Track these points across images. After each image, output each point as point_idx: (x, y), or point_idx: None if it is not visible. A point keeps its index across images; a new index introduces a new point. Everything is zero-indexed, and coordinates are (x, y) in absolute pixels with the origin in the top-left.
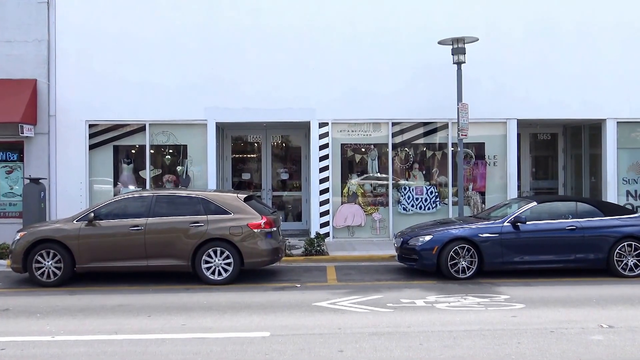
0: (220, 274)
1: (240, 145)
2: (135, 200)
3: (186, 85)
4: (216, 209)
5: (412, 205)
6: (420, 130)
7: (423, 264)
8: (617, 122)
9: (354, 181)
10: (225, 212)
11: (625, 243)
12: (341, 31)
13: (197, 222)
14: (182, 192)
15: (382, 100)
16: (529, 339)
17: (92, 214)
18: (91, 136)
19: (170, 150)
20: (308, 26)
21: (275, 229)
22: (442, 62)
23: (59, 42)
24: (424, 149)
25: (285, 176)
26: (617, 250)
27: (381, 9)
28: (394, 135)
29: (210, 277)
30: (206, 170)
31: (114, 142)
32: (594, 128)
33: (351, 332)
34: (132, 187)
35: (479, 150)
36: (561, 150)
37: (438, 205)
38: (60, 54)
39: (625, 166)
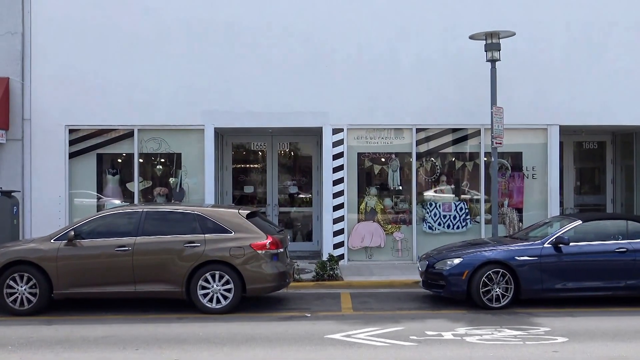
0: (218, 301)
1: (242, 153)
2: (121, 216)
3: (181, 85)
4: (214, 227)
5: (439, 224)
6: (449, 138)
7: (451, 291)
8: None
9: (373, 195)
10: (225, 231)
11: None
12: (358, 23)
13: (192, 242)
14: (176, 208)
15: (405, 104)
16: None
17: (73, 232)
18: (71, 143)
19: (162, 160)
20: (320, 18)
21: (282, 250)
22: (474, 60)
23: (35, 36)
24: (453, 158)
25: (293, 189)
26: None
27: None
28: (418, 143)
29: (207, 304)
30: (203, 183)
31: (98, 149)
32: None
33: None
34: (118, 202)
35: (515, 160)
36: (610, 161)
37: (469, 223)
38: (37, 49)
39: None
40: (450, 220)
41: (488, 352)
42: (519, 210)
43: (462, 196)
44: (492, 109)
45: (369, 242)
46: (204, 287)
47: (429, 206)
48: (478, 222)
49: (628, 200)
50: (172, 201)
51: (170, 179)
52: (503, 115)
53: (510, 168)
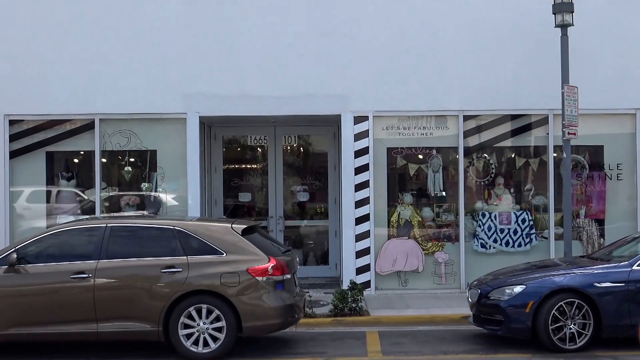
0: (206, 344)
1: (237, 150)
2: (79, 234)
3: (155, 61)
4: (200, 247)
5: (495, 240)
6: (507, 127)
7: (511, 328)
8: None
9: (408, 204)
10: (214, 252)
11: None
12: None
13: (172, 267)
14: (150, 222)
15: (448, 82)
16: None
17: (15, 255)
18: (13, 138)
19: (132, 159)
20: None
21: (289, 276)
22: (539, 26)
23: None
24: (512, 155)
25: (303, 197)
26: None
27: None
28: (466, 134)
29: (191, 348)
30: (185, 189)
31: (48, 146)
32: None
33: None
34: (74, 214)
35: (594, 156)
36: None
37: (533, 239)
38: None
39: None
40: (510, 236)
41: None
42: (600, 222)
43: (525, 204)
44: (563, 88)
45: (402, 265)
46: (187, 326)
47: (481, 217)
48: (546, 238)
49: None
50: (145, 213)
51: (143, 184)
52: (578, 97)
53: (587, 166)
